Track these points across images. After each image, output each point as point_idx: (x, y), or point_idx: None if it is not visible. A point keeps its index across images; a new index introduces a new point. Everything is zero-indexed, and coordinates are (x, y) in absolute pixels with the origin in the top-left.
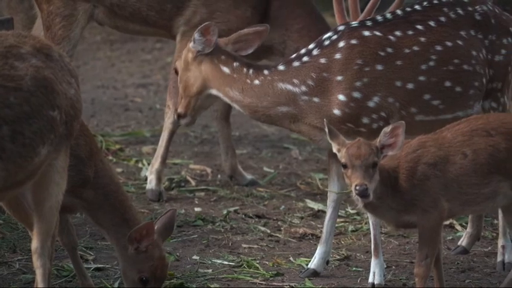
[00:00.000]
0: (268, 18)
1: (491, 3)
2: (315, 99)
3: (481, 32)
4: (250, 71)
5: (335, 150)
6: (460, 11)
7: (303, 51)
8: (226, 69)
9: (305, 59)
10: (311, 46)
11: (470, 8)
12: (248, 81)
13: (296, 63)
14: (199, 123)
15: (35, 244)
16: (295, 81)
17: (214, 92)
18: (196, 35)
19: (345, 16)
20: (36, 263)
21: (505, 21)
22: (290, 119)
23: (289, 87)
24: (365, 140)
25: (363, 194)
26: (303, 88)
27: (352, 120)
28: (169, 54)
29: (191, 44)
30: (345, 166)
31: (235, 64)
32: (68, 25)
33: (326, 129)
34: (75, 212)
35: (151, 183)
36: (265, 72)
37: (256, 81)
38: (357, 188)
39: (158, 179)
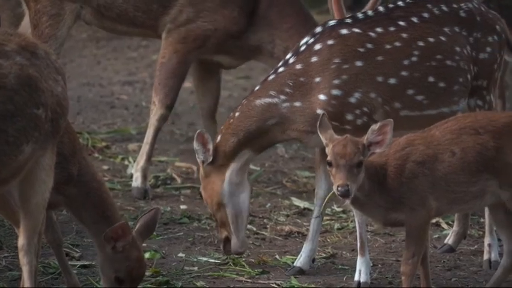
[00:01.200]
0: (257, 17)
1: (477, 1)
2: (297, 104)
3: (466, 29)
4: (230, 114)
5: (324, 144)
6: (444, 8)
7: (280, 63)
8: (218, 138)
9: (281, 69)
10: (288, 56)
11: (454, 5)
12: (231, 120)
13: (271, 77)
14: (185, 120)
15: (21, 241)
16: (272, 92)
17: (229, 171)
18: (195, 145)
19: (343, 12)
20: (23, 260)
21: (491, 19)
22: (280, 130)
23: (268, 100)
24: (352, 137)
25: (344, 194)
26: (282, 97)
27: (336, 118)
28: (155, 52)
29: (197, 157)
30: (330, 164)
31: (222, 126)
32: (55, 24)
33: (319, 122)
34: (58, 208)
35: (136, 181)
36: (243, 101)
37: (237, 114)
38: (339, 189)
39: (144, 177)
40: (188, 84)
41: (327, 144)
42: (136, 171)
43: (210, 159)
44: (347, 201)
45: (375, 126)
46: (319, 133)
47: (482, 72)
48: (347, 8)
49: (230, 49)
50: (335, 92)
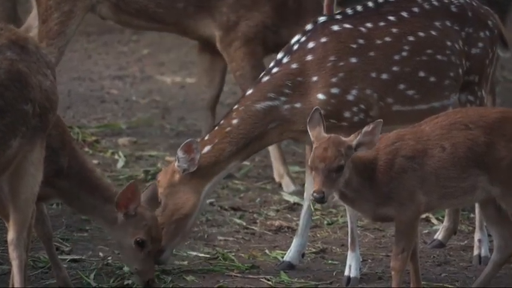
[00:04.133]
0: (288, 12)
1: None
2: (297, 105)
3: (457, 23)
4: (221, 121)
5: (311, 140)
6: (435, 3)
7: (271, 64)
8: (207, 148)
9: (275, 70)
10: (279, 56)
11: (445, 0)
12: (229, 129)
13: (266, 78)
14: (175, 115)
15: (11, 235)
16: (271, 95)
17: (210, 183)
18: (179, 153)
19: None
20: (13, 254)
21: (483, 14)
22: (279, 133)
23: (268, 103)
24: (336, 138)
25: (319, 201)
26: (282, 98)
27: (335, 116)
28: (146, 46)
29: (176, 164)
30: (310, 166)
31: (206, 137)
32: (66, 21)
33: (310, 117)
34: (48, 201)
35: None
36: (237, 107)
37: (235, 121)
38: (314, 195)
39: None
40: (178, 78)
41: (313, 141)
42: None
43: (193, 169)
44: (337, 197)
45: (368, 128)
46: (308, 129)
47: (473, 68)
48: (337, 4)
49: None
50: (333, 90)
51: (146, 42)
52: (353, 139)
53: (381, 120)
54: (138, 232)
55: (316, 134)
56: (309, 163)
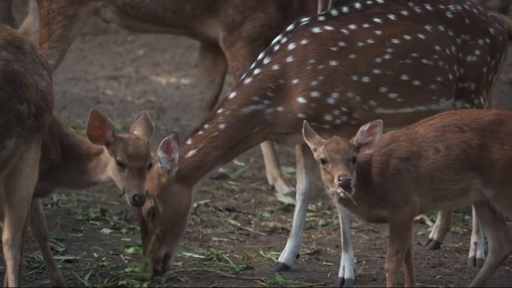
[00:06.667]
0: (292, 12)
1: (471, 2)
2: (280, 109)
3: (453, 29)
4: (205, 126)
5: (311, 149)
6: (429, 7)
7: (253, 65)
8: (191, 152)
9: (256, 71)
10: (260, 56)
11: (441, 6)
12: (216, 133)
13: (248, 80)
14: (170, 116)
15: (5, 235)
16: (256, 98)
17: (197, 185)
18: (159, 153)
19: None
20: (7, 254)
21: (483, 21)
22: (262, 135)
23: (254, 107)
24: (342, 138)
25: (346, 184)
26: (266, 101)
27: (316, 119)
28: (140, 47)
29: (159, 166)
30: (324, 161)
31: (189, 141)
32: (69, 25)
33: (303, 130)
34: (47, 195)
35: None
36: (222, 111)
37: (222, 126)
38: (341, 178)
39: None
40: (173, 79)
41: (315, 148)
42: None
43: (176, 169)
44: (336, 199)
45: (364, 127)
46: (305, 140)
47: (469, 75)
48: (332, 5)
49: None
50: (313, 94)
51: (142, 43)
52: (353, 140)
53: (381, 120)
54: (117, 153)
55: (317, 140)
56: (322, 159)
